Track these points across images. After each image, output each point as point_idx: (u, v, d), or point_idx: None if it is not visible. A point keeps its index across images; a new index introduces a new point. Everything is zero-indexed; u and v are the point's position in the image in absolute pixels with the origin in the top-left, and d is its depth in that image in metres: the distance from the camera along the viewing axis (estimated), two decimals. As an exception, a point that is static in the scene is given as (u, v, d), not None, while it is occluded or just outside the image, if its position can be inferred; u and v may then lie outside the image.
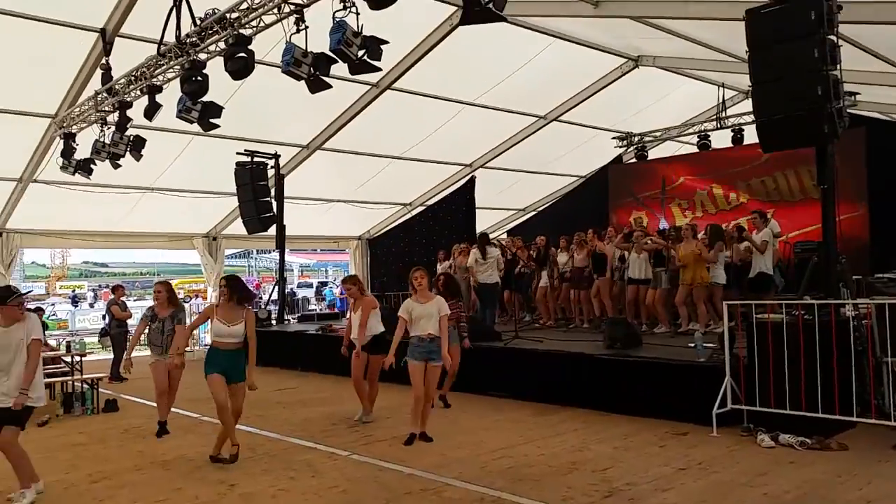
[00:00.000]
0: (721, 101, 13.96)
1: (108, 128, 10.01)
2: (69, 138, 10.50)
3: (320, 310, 26.00)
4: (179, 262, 68.94)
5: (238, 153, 13.08)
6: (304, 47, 6.63)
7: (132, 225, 15.01)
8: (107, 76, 9.59)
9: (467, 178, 16.10)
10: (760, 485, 5.21)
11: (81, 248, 16.24)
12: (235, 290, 6.20)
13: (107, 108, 9.71)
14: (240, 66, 6.93)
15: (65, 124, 10.63)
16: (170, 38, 8.08)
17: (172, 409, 7.65)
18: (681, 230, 10.35)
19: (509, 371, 8.68)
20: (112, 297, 12.00)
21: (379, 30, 6.54)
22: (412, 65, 11.33)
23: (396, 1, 5.67)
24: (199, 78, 7.65)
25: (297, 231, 15.46)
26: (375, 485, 5.47)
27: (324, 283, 37.14)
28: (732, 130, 13.86)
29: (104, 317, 12.73)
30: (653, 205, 14.80)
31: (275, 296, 15.76)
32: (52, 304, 29.47)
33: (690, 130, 15.11)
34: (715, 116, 14.26)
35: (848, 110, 7.01)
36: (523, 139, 15.04)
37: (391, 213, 18.23)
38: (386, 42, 6.41)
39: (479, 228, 16.17)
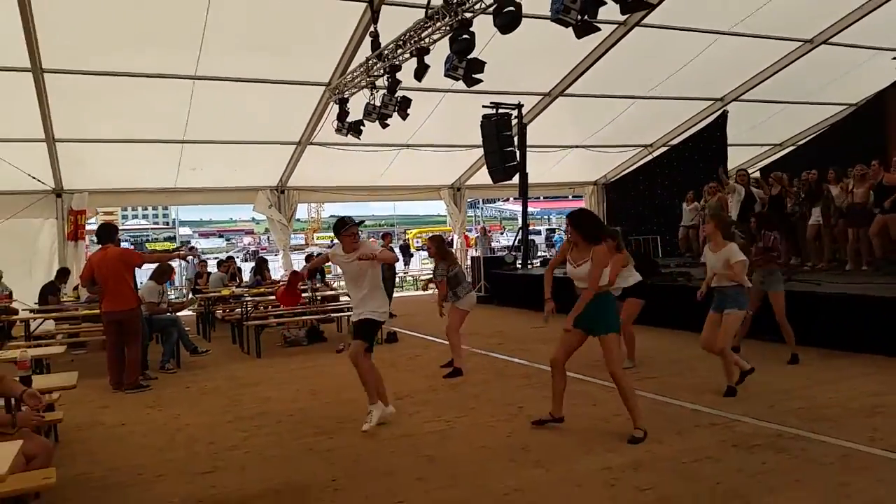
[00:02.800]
0: None
1: (377, 91, 11.02)
2: (343, 103, 11.68)
3: (550, 256, 26.41)
4: (414, 214, 74.00)
5: (483, 106, 13.58)
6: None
7: (388, 179, 16.38)
8: (375, 43, 10.41)
9: (718, 113, 15.16)
10: None
11: (347, 202, 18.03)
12: (579, 228, 5.18)
13: (376, 73, 10.64)
14: (508, 19, 7.10)
15: (337, 91, 11.84)
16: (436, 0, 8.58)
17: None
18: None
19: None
20: (381, 242, 13.30)
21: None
22: (664, -3, 10.79)
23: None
24: (466, 36, 8.05)
25: (531, 179, 15.75)
26: (661, 416, 5.59)
27: (552, 231, 37.52)
28: None
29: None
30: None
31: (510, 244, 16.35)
32: (314, 254, 33.35)
33: None
34: None
35: None
36: (784, 67, 13.71)
37: (630, 157, 17.80)
38: (658, -25, 6.21)
39: (730, 167, 15.26)
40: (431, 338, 9.99)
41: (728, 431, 5.09)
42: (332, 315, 11.20)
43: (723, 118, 14.96)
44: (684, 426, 5.28)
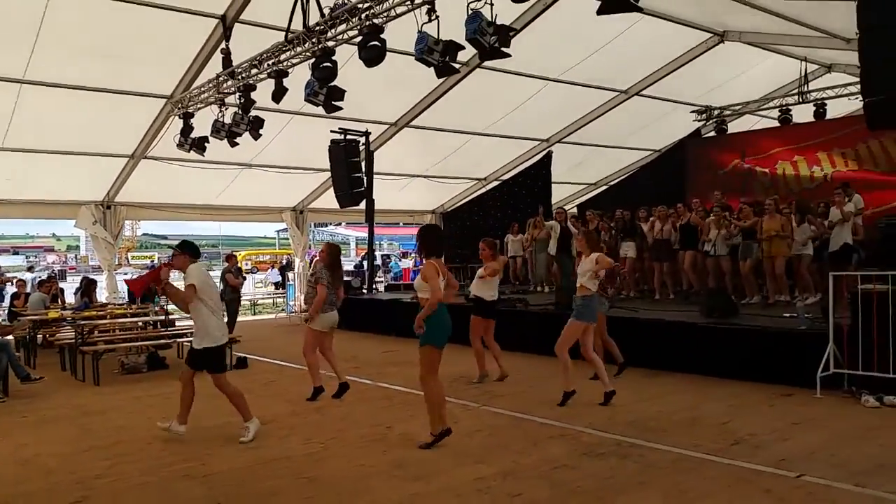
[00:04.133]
0: (803, 75, 14.05)
1: (226, 108, 10.83)
2: (187, 118, 11.30)
3: (386, 282, 26.86)
4: (240, 235, 71.05)
5: (332, 131, 13.73)
6: (435, 35, 7.15)
7: (228, 199, 15.92)
8: (227, 60, 10.30)
9: (544, 152, 16.54)
10: (874, 437, 5.69)
11: (182, 220, 17.26)
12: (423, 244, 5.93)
13: (227, 91, 10.47)
14: (373, 54, 7.47)
15: (181, 105, 11.44)
16: (295, 25, 8.71)
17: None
18: (764, 204, 10.72)
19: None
20: (226, 265, 12.90)
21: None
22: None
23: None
24: (328, 64, 8.27)
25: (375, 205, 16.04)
26: (517, 430, 6.12)
27: (388, 256, 37.99)
28: (815, 105, 13.97)
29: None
30: (733, 178, 14.99)
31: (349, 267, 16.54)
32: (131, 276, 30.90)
33: (771, 104, 15.23)
34: (797, 91, 14.37)
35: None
36: (603, 114, 15.34)
37: (466, 188, 18.79)
38: (514, 30, 6.88)
39: (554, 202, 16.66)
40: (282, 362, 9.89)
41: (576, 442, 5.71)
42: (171, 341, 10.68)
43: (548, 157, 16.39)
44: (539, 438, 5.84)
